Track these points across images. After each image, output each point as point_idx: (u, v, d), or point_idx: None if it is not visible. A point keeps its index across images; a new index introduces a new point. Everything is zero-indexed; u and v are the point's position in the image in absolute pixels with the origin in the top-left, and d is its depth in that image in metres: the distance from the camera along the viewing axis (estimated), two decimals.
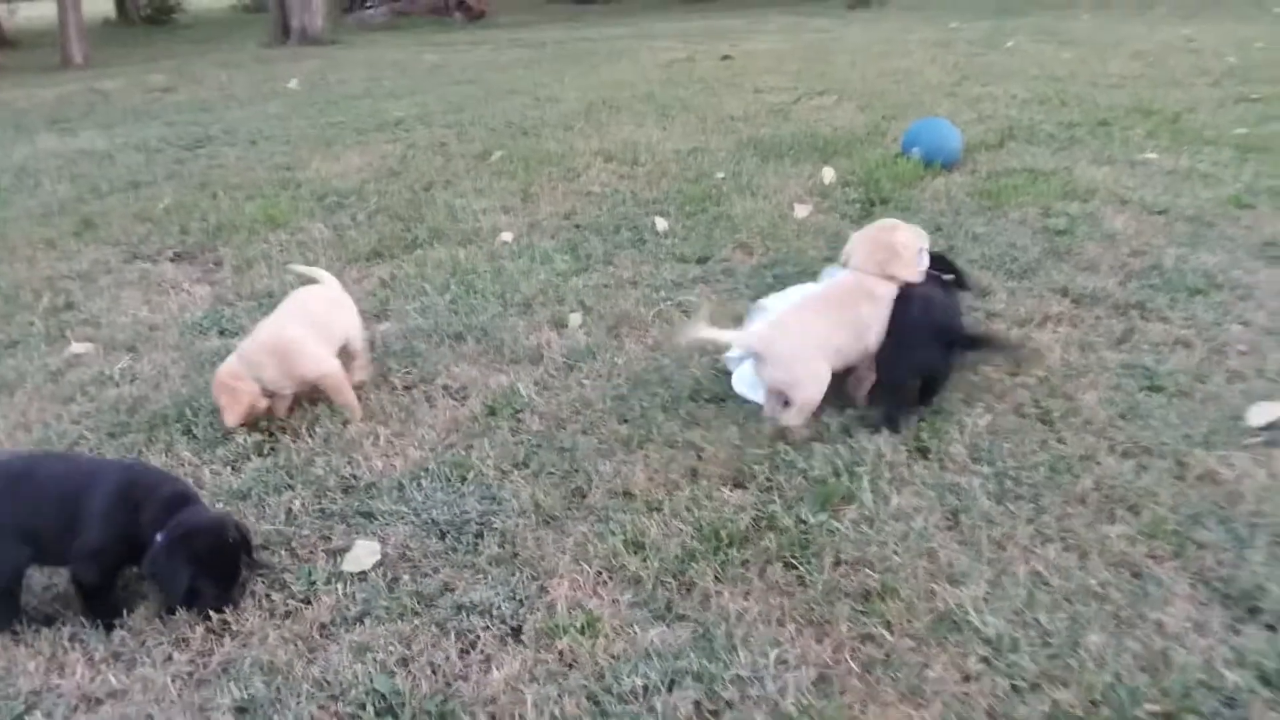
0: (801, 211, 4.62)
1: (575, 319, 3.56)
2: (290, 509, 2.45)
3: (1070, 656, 1.79)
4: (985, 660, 1.80)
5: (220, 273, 4.37)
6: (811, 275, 3.56)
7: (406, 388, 3.12)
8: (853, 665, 1.82)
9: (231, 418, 2.75)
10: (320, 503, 2.48)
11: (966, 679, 1.77)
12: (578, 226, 4.71)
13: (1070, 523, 2.18)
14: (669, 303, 3.66)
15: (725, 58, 10.86)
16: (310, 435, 2.80)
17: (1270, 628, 1.84)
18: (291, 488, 2.55)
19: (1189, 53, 9.19)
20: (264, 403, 2.81)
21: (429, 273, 4.15)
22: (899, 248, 2.67)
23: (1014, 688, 1.74)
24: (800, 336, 2.65)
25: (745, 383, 2.89)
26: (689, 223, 4.61)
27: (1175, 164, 5.02)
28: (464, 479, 2.55)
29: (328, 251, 4.52)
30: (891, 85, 8.14)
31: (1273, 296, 3.28)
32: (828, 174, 5.23)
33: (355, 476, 2.60)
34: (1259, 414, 2.52)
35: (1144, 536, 2.11)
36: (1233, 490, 2.25)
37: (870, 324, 2.65)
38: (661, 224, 4.59)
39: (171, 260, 4.59)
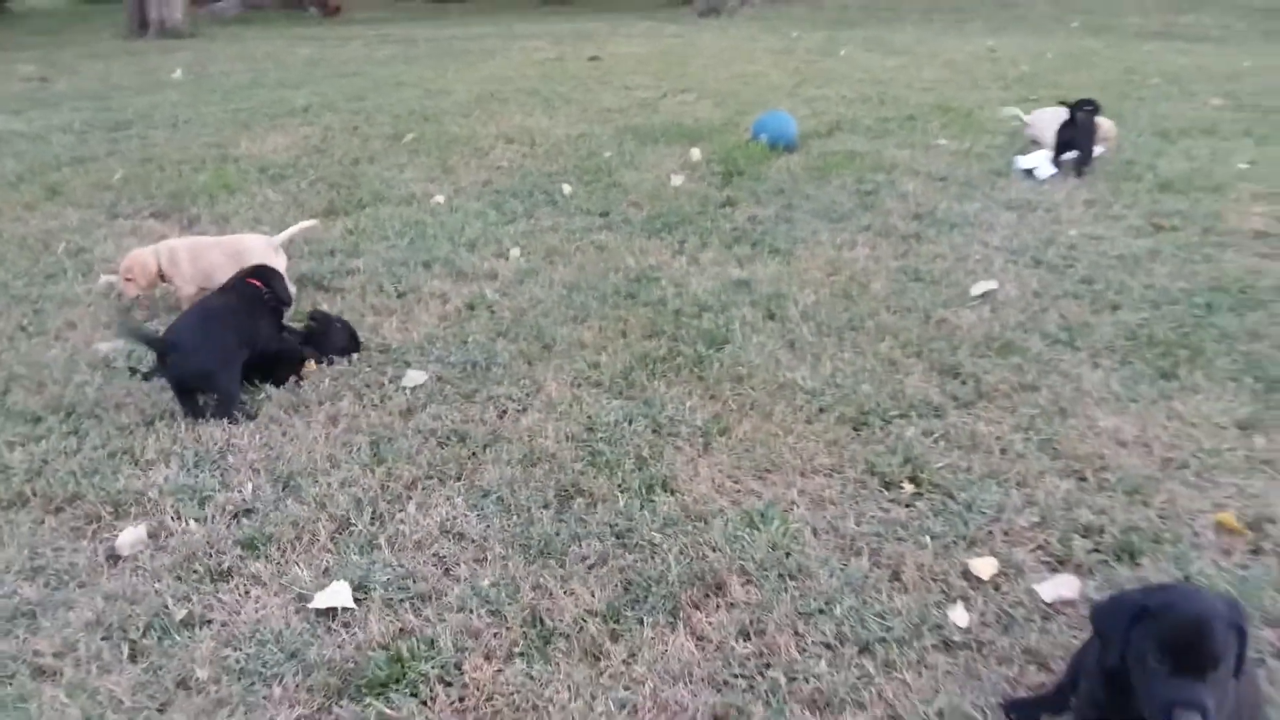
0: (677, 180, 6.12)
1: (515, 251, 4.90)
2: (349, 361, 3.71)
3: (852, 396, 3.30)
4: (806, 401, 3.29)
5: (201, 226, 5.45)
6: (689, 223, 5.06)
7: (400, 294, 4.39)
8: (732, 408, 3.28)
9: (132, 290, 4.08)
10: (368, 360, 3.74)
11: (795, 409, 3.25)
12: (497, 192, 6.04)
13: (858, 342, 3.72)
14: (584, 240, 5.05)
15: (593, 58, 12.36)
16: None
17: (959, 378, 3.40)
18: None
19: (991, 61, 11.33)
20: (154, 287, 4.16)
21: (384, 223, 5.39)
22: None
23: (820, 409, 3.23)
24: None
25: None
26: (588, 189, 6.02)
27: (960, 147, 6.81)
28: (465, 342, 3.86)
29: (289, 211, 5.66)
30: (741, 85, 9.83)
31: (1005, 230, 4.98)
32: (695, 153, 6.76)
33: (386, 343, 3.87)
34: (977, 288, 4.16)
35: (900, 348, 3.67)
36: (956, 326, 3.85)
37: None
38: (567, 189, 5.99)
39: (152, 217, 5.62)
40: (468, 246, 5.00)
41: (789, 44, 13.77)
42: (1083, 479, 2.79)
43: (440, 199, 5.86)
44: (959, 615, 2.28)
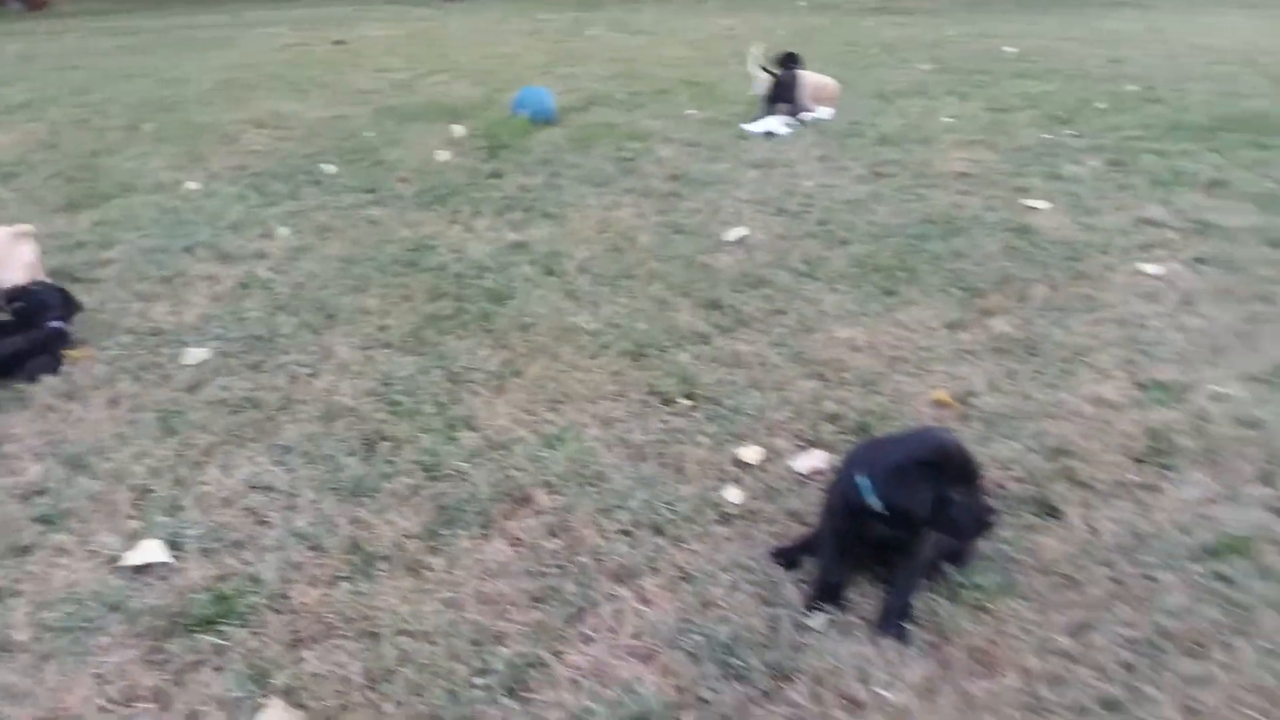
0: (443, 155, 6.29)
1: (284, 231, 4.92)
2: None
3: (630, 332, 3.66)
4: (589, 341, 3.62)
5: None
6: (460, 195, 5.28)
7: (165, 279, 4.32)
8: (521, 353, 3.56)
9: None
10: (140, 344, 3.70)
11: (579, 349, 3.58)
12: (255, 175, 5.96)
13: (632, 288, 4.10)
14: (355, 216, 5.14)
15: (339, 42, 12.14)
16: (105, 309, 3.96)
17: (721, 310, 3.85)
18: (115, 336, 3.73)
19: (729, 40, 12.17)
20: None
21: (136, 213, 5.22)
22: None
23: (603, 346, 3.57)
24: None
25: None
26: (353, 168, 6.07)
27: (707, 116, 7.40)
28: (243, 319, 3.89)
29: (24, 207, 5.34)
30: (496, 65, 10.06)
31: (751, 185, 5.54)
32: (458, 130, 6.94)
33: (158, 327, 3.83)
34: (730, 235, 4.66)
35: (669, 289, 4.08)
36: (715, 268, 4.31)
37: None
38: (330, 169, 6.01)
39: None
40: (231, 229, 4.96)
41: (537, 26, 14.12)
42: (826, 379, 3.29)
43: (194, 185, 5.72)
44: (733, 494, 2.69)
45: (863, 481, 2.13)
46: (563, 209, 5.17)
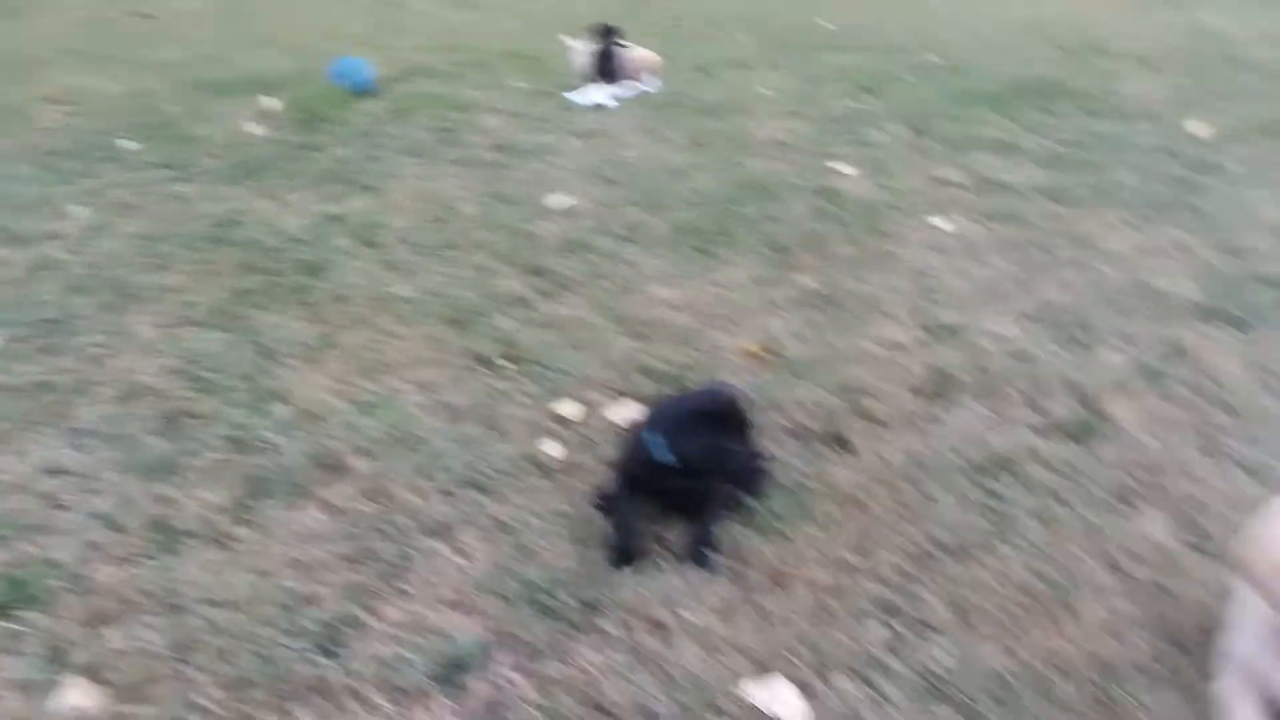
0: (255, 129, 6.07)
1: (79, 210, 4.66)
2: None
3: (451, 300, 3.69)
4: (408, 310, 3.62)
5: None
6: (273, 169, 5.13)
7: None
8: (338, 325, 3.52)
9: None
10: None
11: (398, 318, 3.58)
12: (47, 154, 5.60)
13: (454, 257, 4.11)
14: (158, 192, 4.92)
15: (145, 15, 11.44)
16: None
17: (544, 276, 3.92)
18: None
19: (556, 14, 12.16)
20: None
21: None
22: None
23: (423, 315, 3.58)
24: None
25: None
26: (155, 143, 5.78)
27: (533, 87, 7.41)
28: (36, 303, 3.69)
29: None
30: (312, 37, 9.73)
31: (576, 155, 5.61)
32: (270, 102, 6.71)
33: None
34: (554, 203, 4.73)
35: (492, 258, 4.11)
36: (539, 236, 4.37)
37: None
38: (131, 145, 5.71)
39: None
40: (18, 210, 4.66)
41: None
42: (644, 337, 3.42)
43: None
44: (552, 448, 2.77)
45: (652, 437, 2.27)
46: (382, 180, 5.11)
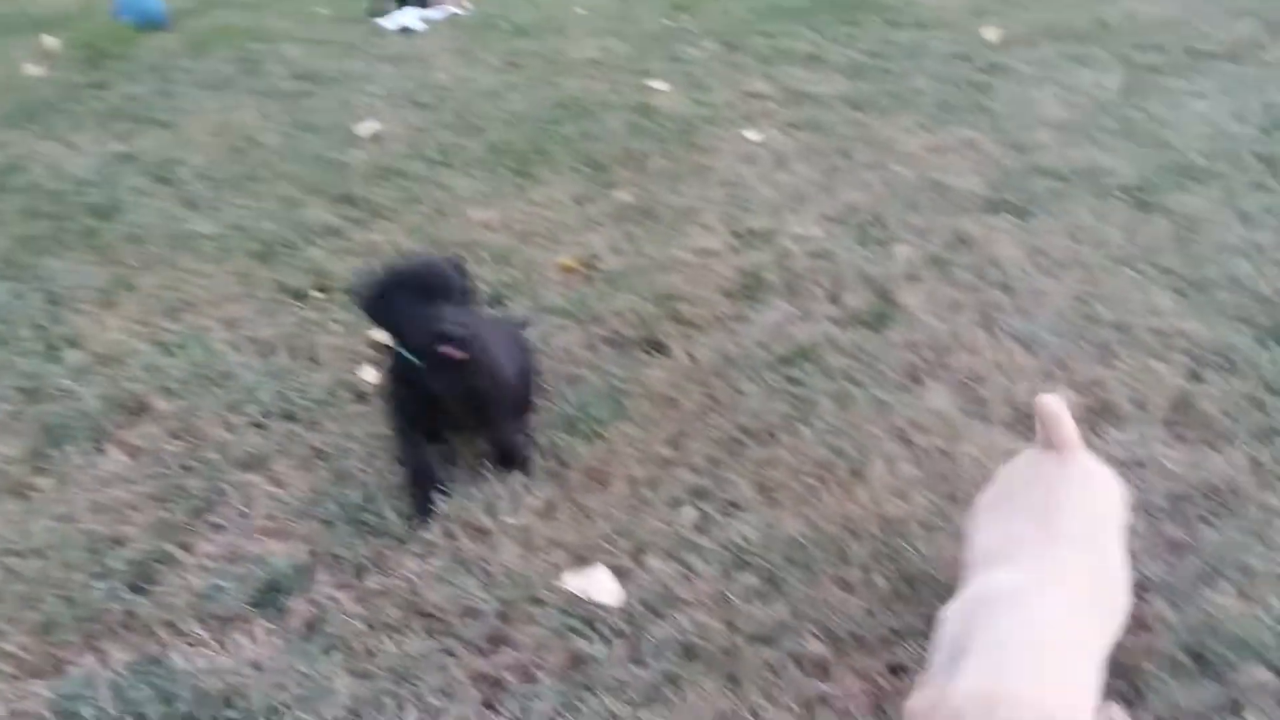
0: (34, 70, 5.61)
1: None
2: None
3: (256, 234, 3.56)
4: (211, 247, 3.48)
5: None
6: (55, 110, 4.76)
7: None
8: (134, 266, 3.35)
9: None
10: None
11: (200, 255, 3.43)
12: None
13: (256, 190, 3.95)
14: None
15: None
16: None
17: (354, 204, 3.83)
18: None
19: None
20: None
21: None
22: None
23: (226, 250, 3.45)
24: None
25: None
26: None
27: (337, 14, 7.09)
28: None
29: None
30: None
31: (386, 80, 5.43)
32: (50, 41, 6.19)
33: None
34: (363, 130, 4.60)
35: (298, 189, 3.98)
36: (348, 164, 4.24)
37: None
38: None
39: None
40: None
41: None
42: (462, 259, 3.40)
43: None
44: (368, 374, 2.76)
45: (399, 350, 2.16)
46: (177, 116, 4.83)
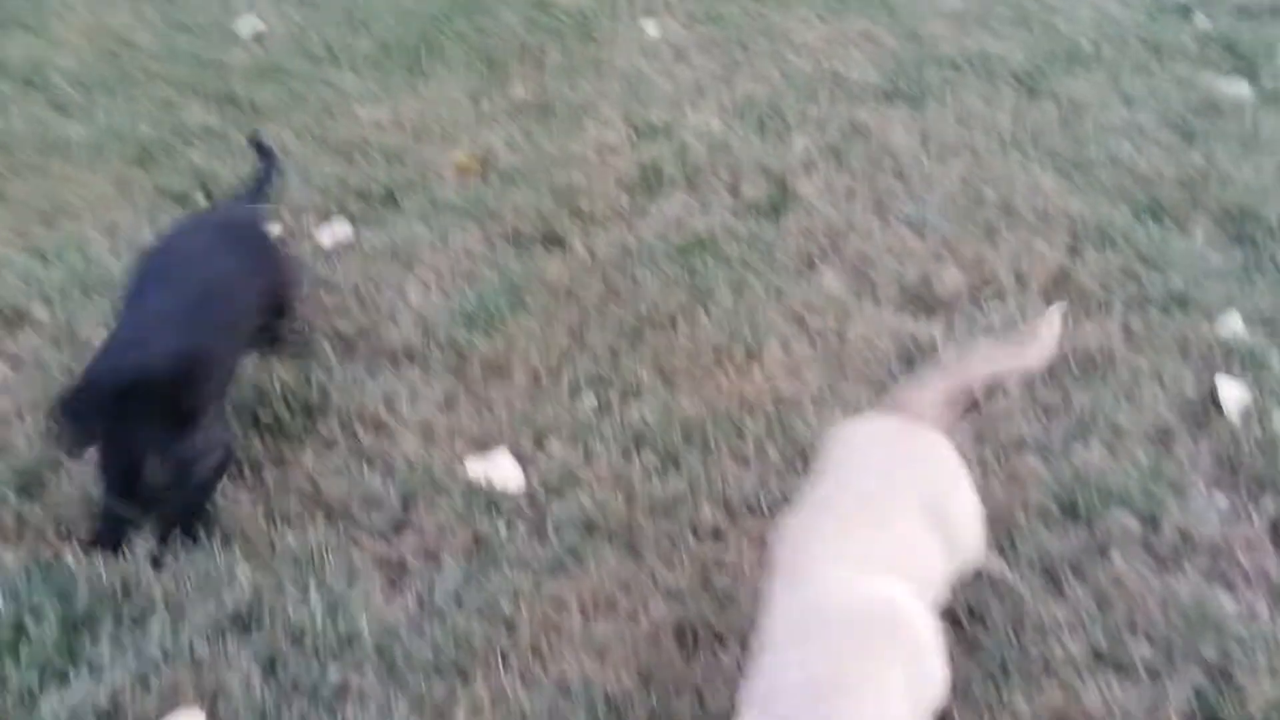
0: None
1: None
2: None
3: (132, 138, 3.40)
4: (84, 153, 3.31)
5: None
6: None
7: None
8: (8, 175, 3.18)
9: None
10: None
11: (74, 162, 3.27)
12: None
13: (131, 93, 3.76)
14: None
15: None
16: None
17: (236, 105, 3.68)
18: None
19: None
20: None
21: None
22: None
23: (101, 155, 3.29)
24: None
25: None
26: None
27: None
28: None
29: None
30: None
31: None
32: None
33: None
34: (244, 29, 4.38)
35: (176, 90, 3.79)
36: (228, 63, 4.05)
37: None
38: None
39: None
40: None
41: None
42: (351, 158, 3.32)
43: None
44: None
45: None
46: (42, 18, 4.52)
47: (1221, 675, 1.55)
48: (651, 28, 4.45)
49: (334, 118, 3.61)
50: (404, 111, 3.66)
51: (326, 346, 2.44)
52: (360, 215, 3.00)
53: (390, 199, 3.09)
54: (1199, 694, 1.53)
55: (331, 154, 3.36)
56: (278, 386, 2.28)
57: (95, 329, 2.47)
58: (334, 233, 2.87)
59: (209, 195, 3.09)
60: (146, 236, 2.85)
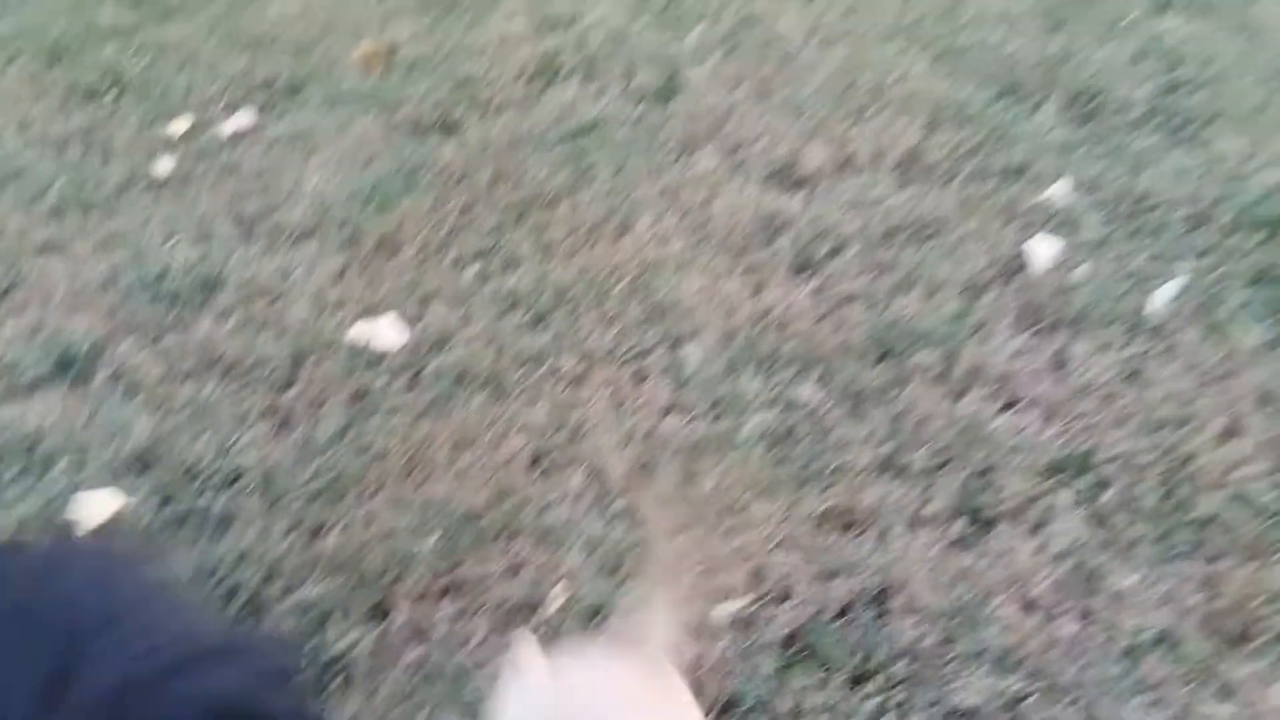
0: None
1: None
2: None
3: (43, 38, 3.46)
4: None
5: None
6: None
7: None
8: None
9: None
10: None
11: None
12: None
13: None
14: None
15: None
16: None
17: (154, 4, 3.73)
18: None
19: None
20: None
21: None
22: None
23: (11, 58, 3.36)
24: None
25: None
26: None
27: None
28: None
29: None
30: None
31: None
32: None
33: None
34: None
35: None
36: None
37: None
38: None
39: None
40: None
41: None
42: (260, 51, 3.42)
43: None
44: (164, 165, 2.83)
45: None
46: None
47: (984, 475, 1.81)
48: None
49: (243, 10, 3.68)
50: (313, 5, 3.73)
51: (228, 226, 2.60)
52: (265, 105, 3.12)
53: (295, 90, 3.21)
54: (963, 489, 1.79)
55: (241, 48, 3.45)
56: (180, 261, 2.44)
57: (8, 217, 2.61)
58: (237, 122, 2.99)
59: (119, 88, 3.18)
60: (58, 130, 2.97)
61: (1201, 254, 2.31)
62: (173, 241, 2.54)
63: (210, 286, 2.38)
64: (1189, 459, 1.82)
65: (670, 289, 2.34)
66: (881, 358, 2.09)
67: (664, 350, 2.18)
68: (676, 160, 2.85)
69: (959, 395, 1.98)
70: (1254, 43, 3.27)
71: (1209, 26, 3.37)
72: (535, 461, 1.94)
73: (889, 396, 1.99)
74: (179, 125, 2.99)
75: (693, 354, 2.16)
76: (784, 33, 3.49)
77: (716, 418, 2.00)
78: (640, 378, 2.13)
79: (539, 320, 2.29)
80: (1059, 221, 2.43)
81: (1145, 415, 1.91)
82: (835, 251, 2.42)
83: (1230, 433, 1.88)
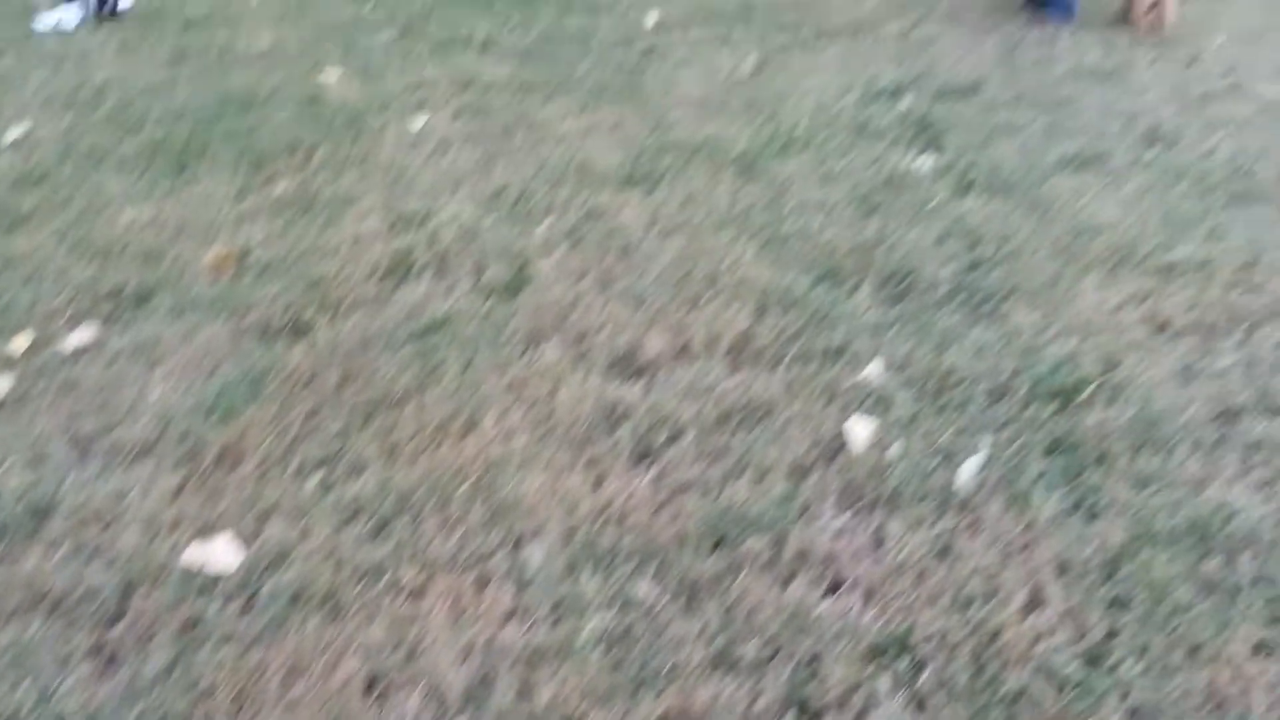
0: None
1: None
2: None
3: None
4: None
5: None
6: None
7: None
8: None
9: None
10: None
11: None
12: None
13: None
14: None
15: None
16: None
17: None
18: None
19: None
20: None
21: None
22: None
23: None
24: None
25: None
26: None
27: None
28: None
29: None
30: None
31: (37, 84, 5.19)
32: None
33: None
34: (7, 136, 4.40)
35: None
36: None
37: None
38: None
39: None
40: None
41: None
42: (108, 260, 3.43)
43: None
44: (1, 385, 2.78)
45: None
46: None
47: (811, 664, 1.87)
48: (419, 121, 4.73)
49: (93, 220, 3.71)
50: (165, 211, 3.79)
51: (64, 448, 2.54)
52: (110, 316, 3.11)
53: (143, 299, 3.21)
54: (791, 680, 1.84)
55: (90, 257, 3.46)
56: (11, 487, 2.37)
57: None
58: (80, 336, 2.97)
59: None
60: None
61: (1001, 426, 2.50)
62: (4, 467, 2.47)
63: (41, 514, 2.31)
64: (996, 634, 1.93)
65: (513, 487, 2.39)
66: (715, 546, 2.16)
67: (506, 552, 2.21)
68: (523, 353, 2.95)
69: (787, 581, 2.06)
70: (1044, 219, 3.64)
71: (1006, 206, 3.74)
72: (371, 685, 1.91)
73: (722, 587, 2.05)
74: (20, 342, 2.95)
75: (534, 555, 2.19)
76: (626, 223, 3.71)
77: (556, 622, 2.02)
78: (482, 583, 2.14)
79: (380, 529, 2.29)
80: (874, 400, 2.61)
81: (955, 591, 2.02)
82: (672, 439, 2.52)
83: (1033, 604, 2.00)
